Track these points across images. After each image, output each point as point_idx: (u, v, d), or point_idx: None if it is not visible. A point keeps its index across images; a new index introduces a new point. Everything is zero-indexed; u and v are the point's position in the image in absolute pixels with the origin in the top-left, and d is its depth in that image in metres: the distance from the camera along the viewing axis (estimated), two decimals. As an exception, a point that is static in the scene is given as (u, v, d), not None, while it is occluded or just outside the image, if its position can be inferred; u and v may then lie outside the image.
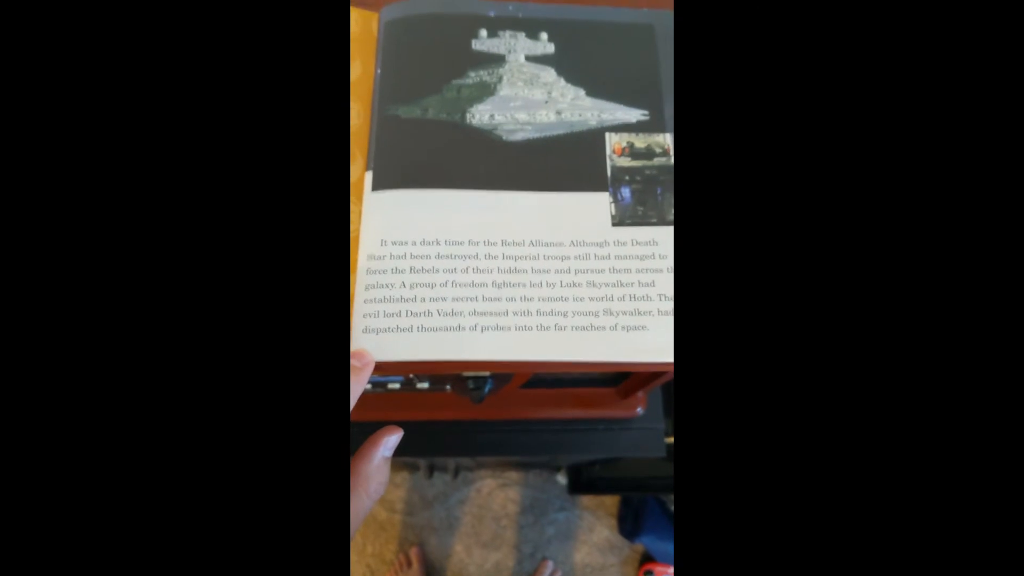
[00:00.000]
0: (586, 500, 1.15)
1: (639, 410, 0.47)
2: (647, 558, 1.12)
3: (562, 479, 1.14)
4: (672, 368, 0.28)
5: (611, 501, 1.16)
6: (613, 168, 0.30)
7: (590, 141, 0.30)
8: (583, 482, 1.09)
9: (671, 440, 0.83)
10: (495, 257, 0.28)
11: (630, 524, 1.09)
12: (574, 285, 0.27)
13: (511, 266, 0.28)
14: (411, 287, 0.27)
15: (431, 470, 1.06)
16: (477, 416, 0.47)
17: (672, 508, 1.08)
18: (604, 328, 0.27)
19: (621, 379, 0.45)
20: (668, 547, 1.06)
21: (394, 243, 0.28)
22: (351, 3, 0.33)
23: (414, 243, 0.28)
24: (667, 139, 0.31)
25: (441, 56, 0.32)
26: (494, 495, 1.15)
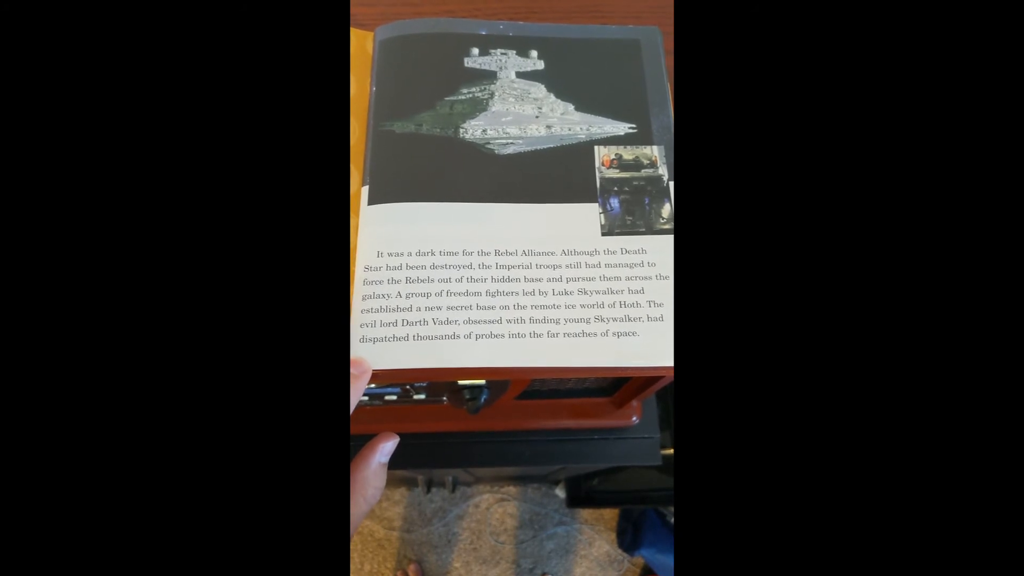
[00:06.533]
0: (585, 513, 1.15)
1: (634, 419, 0.48)
2: (647, 571, 1.11)
3: (561, 493, 1.14)
4: (663, 373, 0.29)
5: (610, 514, 1.15)
6: (602, 179, 0.31)
7: (579, 154, 0.31)
8: (582, 495, 1.08)
9: (669, 452, 0.83)
10: (488, 267, 0.28)
11: (630, 537, 1.09)
12: (566, 293, 0.28)
13: (504, 275, 0.28)
14: (407, 297, 0.28)
15: (429, 485, 1.05)
16: (473, 428, 0.47)
17: (672, 520, 1.08)
18: (596, 335, 0.27)
19: (615, 388, 0.45)
20: (668, 560, 1.05)
21: (390, 254, 0.29)
22: (346, 24, 0.34)
23: (409, 254, 0.28)
24: (654, 151, 0.32)
25: (434, 73, 0.33)
26: (492, 510, 1.14)
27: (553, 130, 0.32)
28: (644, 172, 0.31)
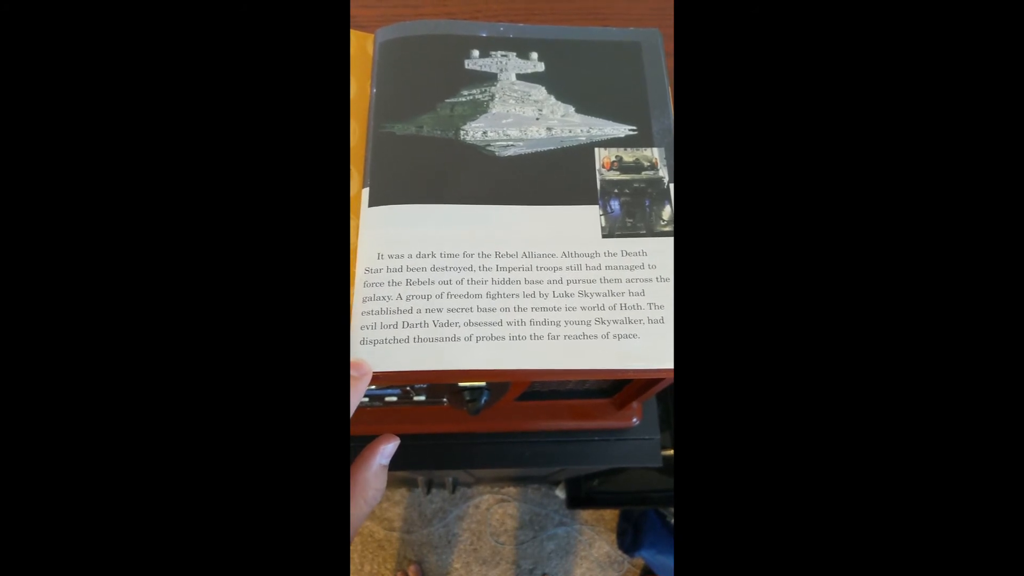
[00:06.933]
0: (585, 514, 1.15)
1: (635, 421, 0.48)
2: (647, 572, 1.11)
3: (561, 493, 1.14)
4: (663, 375, 0.29)
5: (611, 515, 1.15)
6: (602, 182, 0.31)
7: (580, 156, 0.31)
8: (582, 496, 1.08)
9: (669, 452, 0.83)
10: (489, 269, 0.28)
11: (630, 538, 1.09)
12: (566, 295, 0.28)
13: (504, 277, 0.28)
14: (407, 299, 0.28)
15: (429, 486, 1.05)
16: (473, 429, 0.47)
17: (672, 521, 1.08)
18: (596, 336, 0.27)
19: (616, 390, 0.45)
20: (668, 561, 1.05)
21: (390, 256, 0.29)
22: (347, 25, 0.34)
23: (410, 256, 0.28)
24: (655, 153, 0.32)
25: (435, 75, 0.33)
26: (493, 511, 1.14)
27: (553, 132, 0.32)
28: (644, 174, 0.31)
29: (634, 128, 0.32)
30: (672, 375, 0.29)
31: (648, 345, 0.27)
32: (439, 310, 0.27)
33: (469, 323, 0.27)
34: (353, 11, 0.38)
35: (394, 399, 0.44)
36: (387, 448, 0.25)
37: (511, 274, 0.28)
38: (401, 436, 0.27)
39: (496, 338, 0.27)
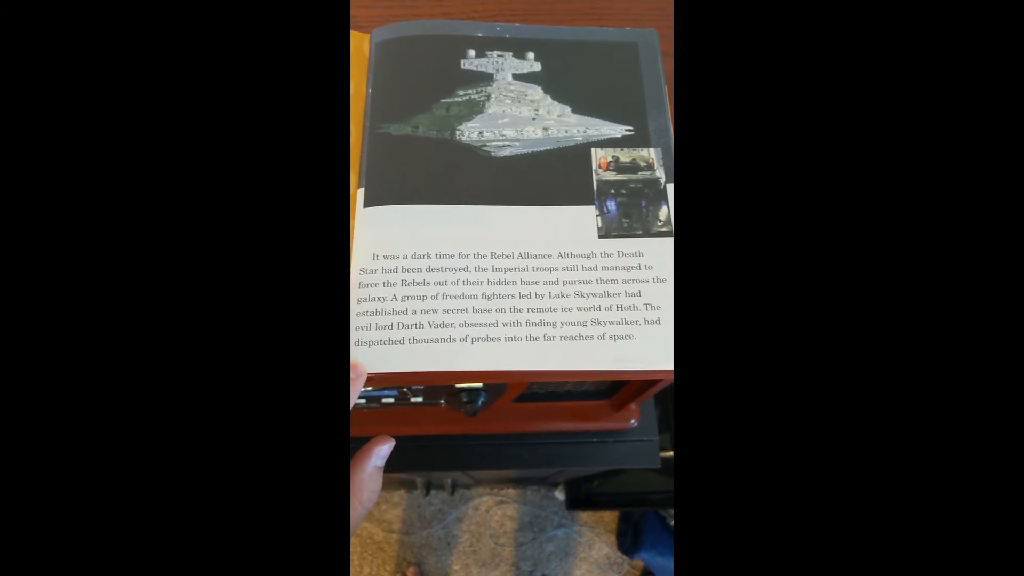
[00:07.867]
0: (585, 516, 1.15)
1: (633, 422, 0.47)
2: (647, 574, 1.11)
3: (560, 495, 1.14)
4: (661, 376, 0.29)
5: (610, 517, 1.15)
6: (599, 182, 0.31)
7: (576, 156, 0.31)
8: (582, 498, 1.08)
9: (668, 454, 0.83)
10: (484, 269, 0.28)
11: (629, 540, 1.08)
12: (562, 296, 0.28)
13: (500, 278, 0.28)
14: (402, 300, 0.27)
15: (428, 488, 1.05)
16: (471, 431, 0.47)
17: (672, 523, 1.08)
18: (592, 338, 0.27)
19: (614, 391, 0.45)
20: (668, 563, 1.05)
21: (386, 257, 0.28)
22: (343, 26, 0.34)
23: (405, 257, 0.28)
24: (651, 153, 0.32)
25: (431, 75, 0.33)
26: (492, 512, 1.14)
27: (550, 132, 0.32)
28: (641, 175, 0.31)
29: (631, 128, 0.32)
30: (670, 376, 0.29)
31: (645, 346, 0.27)
32: (434, 311, 0.27)
33: (465, 324, 0.27)
34: (350, 11, 0.38)
35: (391, 400, 0.44)
36: (382, 449, 0.25)
37: (507, 275, 0.28)
38: (398, 437, 0.27)
39: (492, 339, 0.27)
